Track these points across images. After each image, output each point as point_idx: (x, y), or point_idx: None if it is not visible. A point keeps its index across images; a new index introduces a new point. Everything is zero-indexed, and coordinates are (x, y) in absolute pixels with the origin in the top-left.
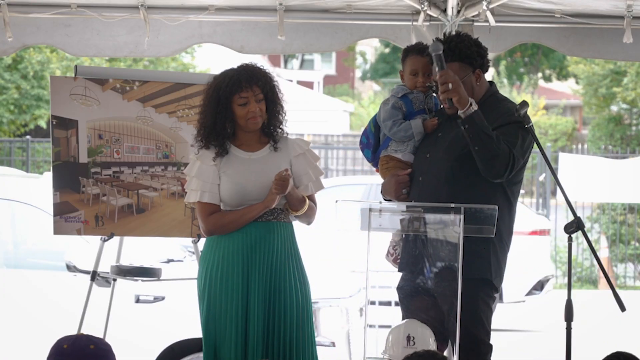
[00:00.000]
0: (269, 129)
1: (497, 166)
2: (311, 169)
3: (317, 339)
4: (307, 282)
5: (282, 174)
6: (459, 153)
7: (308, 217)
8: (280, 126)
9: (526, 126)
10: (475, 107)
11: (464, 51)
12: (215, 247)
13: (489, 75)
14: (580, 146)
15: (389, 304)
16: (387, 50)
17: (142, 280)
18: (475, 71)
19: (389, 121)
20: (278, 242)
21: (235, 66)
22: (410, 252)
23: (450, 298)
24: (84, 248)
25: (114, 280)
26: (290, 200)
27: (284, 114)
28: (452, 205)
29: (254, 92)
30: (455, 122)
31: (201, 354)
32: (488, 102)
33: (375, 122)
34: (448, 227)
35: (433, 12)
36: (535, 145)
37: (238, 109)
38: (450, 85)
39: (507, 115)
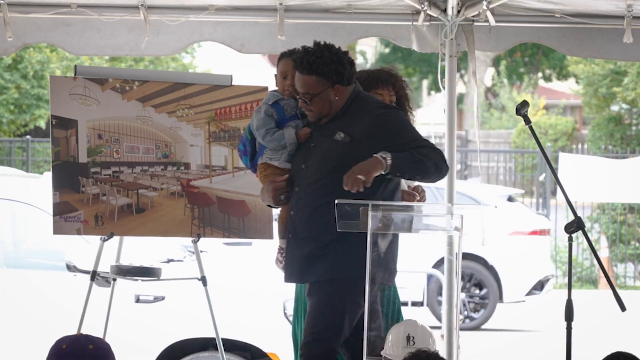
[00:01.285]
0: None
1: (441, 169)
2: None
3: None
4: None
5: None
6: (332, 165)
7: None
8: None
9: (527, 125)
10: (388, 158)
11: (321, 68)
12: None
13: (489, 74)
14: (580, 146)
15: None
16: (387, 50)
17: (142, 280)
18: (335, 86)
19: (262, 130)
20: None
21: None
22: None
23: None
24: (84, 248)
25: (114, 280)
26: None
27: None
28: (453, 205)
29: (389, 91)
30: (326, 133)
31: (201, 354)
32: (352, 106)
33: (250, 130)
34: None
35: (433, 12)
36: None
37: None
38: (361, 185)
39: (383, 117)
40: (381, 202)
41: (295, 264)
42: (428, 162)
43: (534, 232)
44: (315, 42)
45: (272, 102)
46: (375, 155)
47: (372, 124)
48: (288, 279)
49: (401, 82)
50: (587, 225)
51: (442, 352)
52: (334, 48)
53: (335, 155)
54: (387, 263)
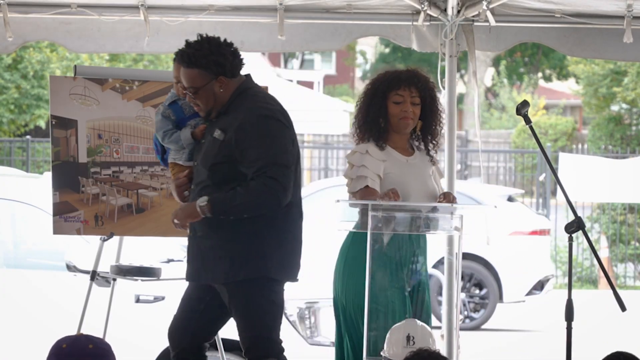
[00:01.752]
0: (422, 137)
1: (268, 204)
2: (439, 183)
3: (317, 339)
4: None
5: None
6: (211, 162)
7: None
8: (437, 139)
9: (527, 125)
10: (206, 209)
11: (201, 60)
12: None
13: (489, 74)
14: (580, 146)
15: None
16: (387, 50)
17: (142, 280)
18: (218, 78)
19: (160, 132)
20: None
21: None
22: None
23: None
24: (84, 248)
25: (114, 280)
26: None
27: (440, 128)
28: (452, 204)
29: (410, 92)
30: (211, 129)
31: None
32: (236, 101)
33: None
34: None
35: (433, 12)
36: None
37: (392, 107)
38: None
39: (248, 121)
40: (381, 202)
41: (193, 263)
42: (252, 201)
43: (534, 232)
44: (198, 35)
45: (169, 102)
46: (196, 202)
47: (238, 126)
48: (188, 277)
49: (426, 83)
50: (587, 225)
51: (442, 352)
52: (216, 39)
53: (212, 153)
54: (258, 257)
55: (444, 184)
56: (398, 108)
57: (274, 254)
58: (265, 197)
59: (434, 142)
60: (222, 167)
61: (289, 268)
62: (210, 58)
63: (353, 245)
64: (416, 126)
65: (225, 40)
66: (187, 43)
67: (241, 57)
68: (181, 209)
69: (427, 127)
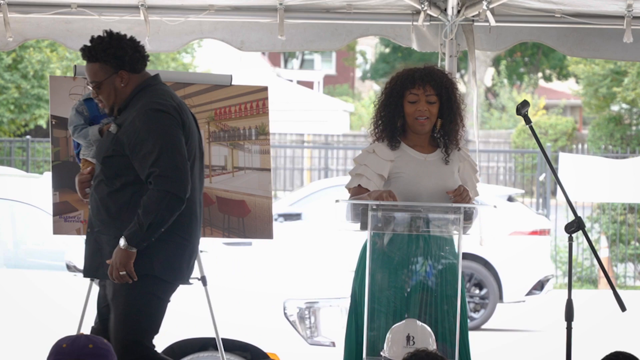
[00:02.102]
0: (441, 136)
1: (172, 206)
2: (473, 175)
3: (317, 339)
4: None
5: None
6: (103, 155)
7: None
8: (455, 138)
9: (527, 125)
10: (125, 246)
11: (100, 53)
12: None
13: (489, 74)
14: (580, 146)
15: None
16: (387, 50)
17: None
18: (119, 72)
19: (71, 127)
20: None
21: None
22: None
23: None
24: (84, 248)
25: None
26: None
27: (461, 125)
28: (452, 205)
29: (425, 91)
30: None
31: (201, 354)
32: (136, 97)
33: None
34: (448, 226)
35: (433, 12)
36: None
37: (407, 106)
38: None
39: (138, 119)
40: (381, 202)
41: (90, 258)
42: (157, 213)
43: (534, 232)
44: (102, 30)
45: (84, 99)
46: (120, 248)
47: (131, 120)
48: (85, 273)
49: (442, 80)
50: (587, 225)
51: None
52: (117, 34)
53: (104, 146)
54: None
55: None
56: (413, 107)
57: (159, 253)
58: (165, 202)
59: (452, 139)
60: (113, 160)
61: (178, 269)
62: (109, 51)
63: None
64: (436, 124)
65: (131, 37)
66: (91, 39)
67: (145, 53)
68: (114, 261)
69: (445, 125)
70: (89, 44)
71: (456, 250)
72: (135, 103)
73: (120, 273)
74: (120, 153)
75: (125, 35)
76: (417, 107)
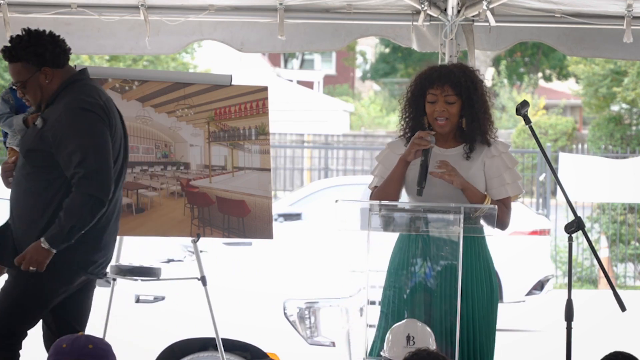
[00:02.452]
0: (467, 132)
1: (94, 208)
2: (506, 171)
3: (317, 339)
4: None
5: (421, 133)
6: (27, 148)
7: (500, 223)
8: (480, 134)
9: (527, 125)
10: (46, 245)
11: (20, 52)
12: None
13: (489, 74)
14: (580, 146)
15: None
16: (387, 50)
17: (142, 280)
18: (42, 69)
19: None
20: None
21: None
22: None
23: None
24: None
25: (114, 280)
26: (466, 194)
27: (487, 123)
28: (452, 205)
29: (443, 91)
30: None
31: (201, 354)
32: (63, 92)
33: None
34: (449, 226)
35: (433, 12)
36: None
37: (428, 106)
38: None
39: (63, 117)
40: (381, 202)
41: (9, 249)
42: (79, 215)
43: (534, 232)
44: (21, 29)
45: (11, 86)
46: (40, 245)
47: (56, 117)
48: (2, 261)
49: (461, 79)
50: (587, 225)
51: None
52: (35, 31)
53: (29, 140)
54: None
55: None
56: (432, 108)
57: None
58: (88, 206)
59: (475, 136)
60: (36, 154)
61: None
62: (29, 50)
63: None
64: (461, 122)
65: (50, 32)
66: (10, 39)
67: (66, 47)
68: (32, 257)
69: (468, 123)
70: (9, 44)
71: (457, 251)
72: (61, 99)
73: (31, 268)
74: (44, 149)
75: (44, 31)
76: (435, 108)
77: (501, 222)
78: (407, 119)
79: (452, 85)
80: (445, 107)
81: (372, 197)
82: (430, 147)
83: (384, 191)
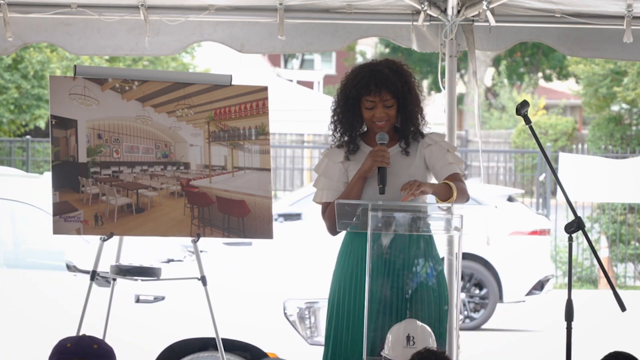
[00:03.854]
0: (401, 130)
1: None
2: (446, 154)
3: (317, 339)
4: None
5: (377, 148)
6: None
7: (461, 200)
8: (413, 128)
9: (527, 125)
10: None
11: None
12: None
13: (489, 74)
14: (580, 146)
15: None
16: (387, 50)
17: (142, 280)
18: None
19: None
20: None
21: (373, 60)
22: None
23: None
24: (84, 248)
25: (114, 280)
26: (437, 195)
27: (419, 116)
28: (452, 205)
29: (382, 97)
30: None
31: (201, 354)
32: None
33: None
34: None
35: (433, 12)
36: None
37: (365, 112)
38: None
39: None
40: (382, 202)
41: None
42: None
43: (534, 232)
44: None
45: None
46: None
47: None
48: None
49: (398, 81)
50: (587, 225)
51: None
52: None
53: None
54: None
55: None
56: (370, 113)
57: None
58: None
59: (408, 131)
60: None
61: None
62: None
63: (342, 245)
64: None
65: None
66: None
67: None
68: None
69: (403, 120)
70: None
71: (437, 251)
72: None
73: None
74: None
75: None
76: (374, 113)
77: (466, 195)
78: (342, 124)
79: (389, 89)
80: (385, 111)
81: (326, 213)
82: (388, 166)
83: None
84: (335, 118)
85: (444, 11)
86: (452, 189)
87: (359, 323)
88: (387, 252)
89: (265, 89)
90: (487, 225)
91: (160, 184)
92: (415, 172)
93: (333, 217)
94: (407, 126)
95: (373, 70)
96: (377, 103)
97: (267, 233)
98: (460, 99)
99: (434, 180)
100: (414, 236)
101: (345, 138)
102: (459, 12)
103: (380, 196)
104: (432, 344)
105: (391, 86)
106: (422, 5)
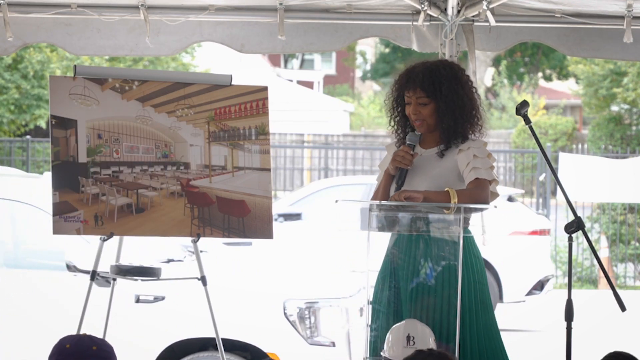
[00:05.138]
0: (441, 133)
1: None
2: (475, 159)
3: (316, 339)
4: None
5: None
6: None
7: (480, 203)
8: (458, 134)
9: (527, 125)
10: None
11: None
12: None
13: (489, 74)
14: (580, 146)
15: None
16: (387, 50)
17: (142, 280)
18: None
19: None
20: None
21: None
22: None
23: None
24: (84, 248)
25: (114, 280)
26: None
27: (462, 120)
28: (451, 205)
29: (415, 93)
30: None
31: (201, 354)
32: None
33: None
34: (450, 226)
35: (433, 12)
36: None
37: (406, 108)
38: None
39: None
40: (382, 202)
41: None
42: None
43: (534, 232)
44: None
45: None
46: None
47: None
48: None
49: (437, 80)
50: (587, 225)
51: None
52: None
53: None
54: None
55: None
56: (408, 109)
57: None
58: None
59: (449, 134)
60: None
61: None
62: None
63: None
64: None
65: None
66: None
67: None
68: None
69: (443, 122)
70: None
71: (457, 251)
72: None
73: None
74: None
75: None
76: (409, 109)
77: (480, 202)
78: (395, 119)
79: (424, 87)
80: (418, 109)
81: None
82: (408, 167)
83: (374, 199)
84: (390, 113)
85: (444, 11)
86: (450, 196)
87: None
88: (392, 252)
89: (265, 89)
90: (483, 225)
91: (160, 184)
92: (441, 174)
93: None
94: (446, 128)
95: (412, 67)
96: (412, 98)
97: (267, 233)
98: None
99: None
100: (413, 236)
101: (400, 132)
102: (459, 12)
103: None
104: (432, 344)
105: (423, 84)
106: (422, 5)
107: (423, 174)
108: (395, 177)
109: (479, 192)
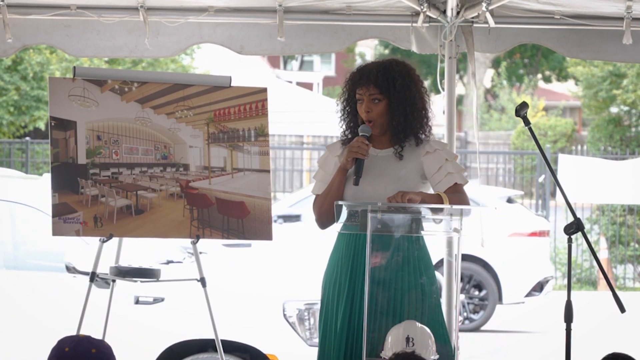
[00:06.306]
0: (393, 132)
1: None
2: (446, 163)
3: (316, 341)
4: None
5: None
6: None
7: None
8: (408, 132)
9: (527, 127)
10: None
11: None
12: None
13: (489, 76)
14: (579, 147)
15: None
16: (386, 51)
17: (142, 282)
18: None
19: None
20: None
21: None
22: None
23: None
24: (84, 249)
25: (113, 281)
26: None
27: (415, 119)
28: (451, 205)
29: (369, 90)
30: None
31: (200, 356)
32: None
33: None
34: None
35: (432, 14)
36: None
37: (358, 106)
38: None
39: None
40: (381, 203)
41: None
42: None
43: (534, 234)
44: None
45: None
46: None
47: None
48: None
49: (390, 77)
50: (587, 226)
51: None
52: None
53: None
54: None
55: None
56: (360, 107)
57: None
58: None
59: (403, 134)
60: None
61: None
62: None
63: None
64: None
65: None
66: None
67: None
68: None
69: (395, 120)
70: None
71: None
72: None
73: None
74: None
75: None
76: (361, 108)
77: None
78: (344, 119)
79: (376, 83)
80: (370, 107)
81: (315, 203)
82: (365, 158)
83: (325, 197)
84: (340, 113)
85: (444, 12)
86: (443, 201)
87: (344, 325)
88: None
89: (264, 90)
90: (481, 226)
91: (160, 185)
92: (406, 177)
93: (319, 209)
94: (397, 127)
95: (365, 65)
96: (364, 96)
97: (266, 234)
98: (460, 100)
99: (430, 190)
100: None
101: (348, 134)
102: (458, 13)
103: (372, 198)
104: (432, 345)
105: (377, 80)
106: (422, 7)
107: (386, 175)
108: (353, 169)
109: (464, 198)
